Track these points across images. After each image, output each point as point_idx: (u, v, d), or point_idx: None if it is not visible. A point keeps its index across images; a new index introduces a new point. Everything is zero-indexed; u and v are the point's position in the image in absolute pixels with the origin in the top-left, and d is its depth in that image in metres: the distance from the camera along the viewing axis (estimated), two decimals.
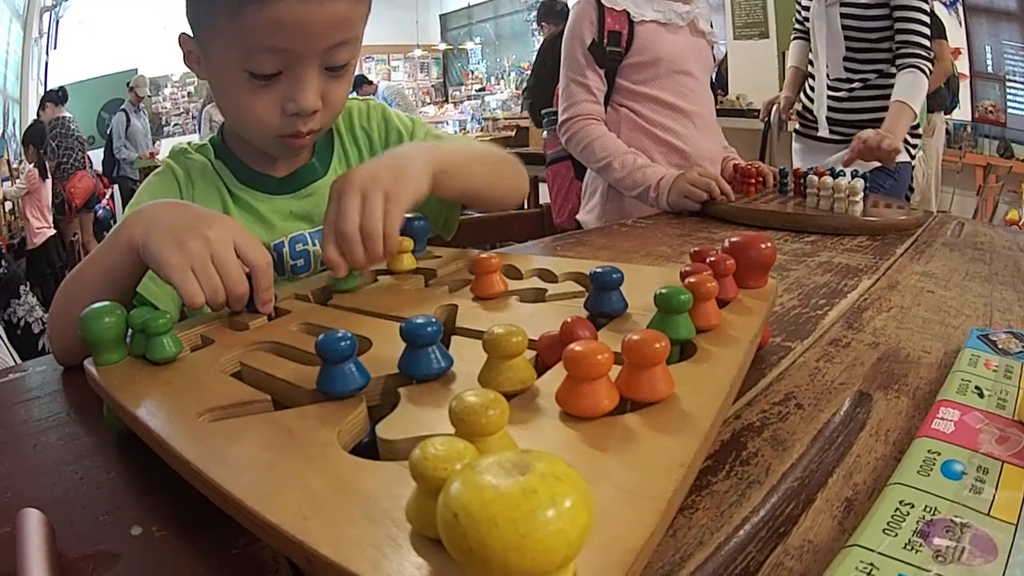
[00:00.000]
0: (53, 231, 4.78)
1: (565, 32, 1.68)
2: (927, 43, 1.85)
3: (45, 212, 4.88)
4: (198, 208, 0.68)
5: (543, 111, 2.30)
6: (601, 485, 0.31)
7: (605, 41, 1.59)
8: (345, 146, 0.97)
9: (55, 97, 5.74)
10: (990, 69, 4.79)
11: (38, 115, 5.65)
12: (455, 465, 0.27)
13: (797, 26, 2.31)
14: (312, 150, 0.94)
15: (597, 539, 0.26)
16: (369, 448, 0.38)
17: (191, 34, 0.79)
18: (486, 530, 0.22)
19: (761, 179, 1.56)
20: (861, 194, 1.29)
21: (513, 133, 5.06)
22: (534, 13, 8.94)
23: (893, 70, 1.98)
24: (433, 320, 0.44)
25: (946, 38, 3.52)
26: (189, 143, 0.93)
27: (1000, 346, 0.61)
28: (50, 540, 0.36)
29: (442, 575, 0.26)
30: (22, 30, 6.21)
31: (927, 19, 1.87)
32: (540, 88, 2.05)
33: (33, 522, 0.36)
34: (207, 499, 0.36)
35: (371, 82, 7.53)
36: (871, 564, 0.32)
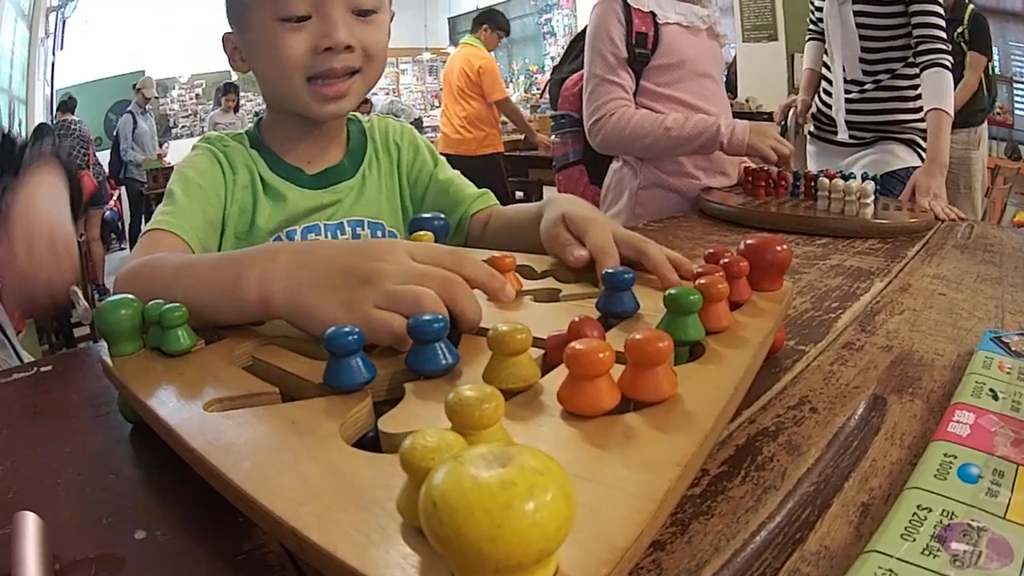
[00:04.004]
0: None
1: (589, 30, 1.66)
2: (944, 35, 1.83)
3: None
4: (334, 243, 0.67)
5: (552, 115, 2.29)
6: (594, 483, 0.31)
7: (632, 42, 1.59)
8: (378, 154, 1.00)
9: (63, 105, 5.78)
10: (998, 70, 4.77)
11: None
12: (443, 456, 0.27)
13: (811, 27, 2.29)
14: (344, 148, 0.97)
15: (584, 535, 0.27)
16: (374, 442, 0.39)
17: (231, 29, 0.88)
18: (462, 519, 0.22)
19: (772, 181, 1.54)
20: (872, 196, 1.28)
21: (522, 137, 5.05)
22: (545, 16, 8.94)
23: (906, 71, 1.97)
24: (440, 317, 0.44)
25: (982, 51, 3.46)
26: (225, 133, 0.95)
27: (1013, 348, 0.60)
28: (45, 544, 0.35)
29: (428, 565, 0.27)
30: (28, 30, 6.18)
31: (942, 11, 1.85)
32: (558, 86, 2.05)
33: (28, 525, 0.36)
34: (212, 503, 0.37)
35: (367, 100, 7.51)
36: (889, 570, 0.32)
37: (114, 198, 6.37)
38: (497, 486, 0.22)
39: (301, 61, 0.81)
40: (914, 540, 0.34)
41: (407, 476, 0.29)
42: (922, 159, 1.94)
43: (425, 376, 0.44)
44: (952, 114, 1.74)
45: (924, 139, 1.87)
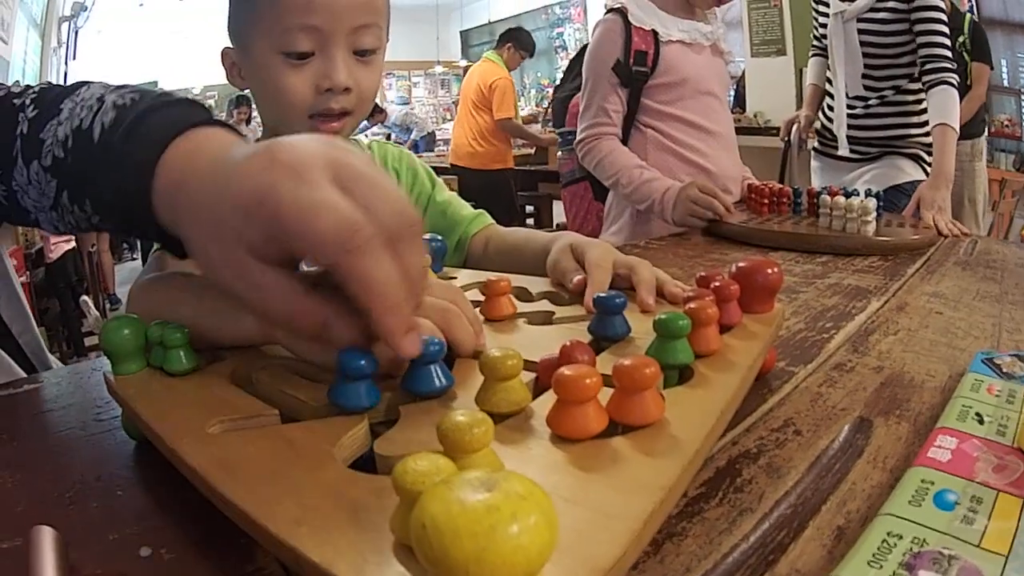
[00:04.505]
0: (72, 244, 4.78)
1: (589, 49, 1.69)
2: (950, 53, 1.84)
3: None
4: None
5: (559, 131, 2.31)
6: (579, 505, 0.32)
7: (631, 60, 1.60)
8: None
9: None
10: (1006, 83, 4.75)
11: None
12: (433, 480, 0.28)
13: (815, 43, 2.31)
14: None
15: (567, 557, 0.28)
16: (369, 461, 0.40)
17: (231, 44, 0.90)
18: (449, 541, 0.24)
19: (775, 198, 1.55)
20: (874, 214, 1.28)
21: (533, 151, 5.08)
22: (557, 30, 8.97)
23: (911, 86, 1.98)
24: (435, 340, 0.45)
25: (984, 61, 3.47)
26: None
27: (1005, 369, 0.60)
28: (63, 559, 0.36)
29: None
30: (40, 39, 6.18)
31: (947, 28, 1.86)
32: (561, 104, 2.08)
33: (47, 541, 0.36)
34: (215, 522, 0.37)
35: (382, 110, 7.54)
36: None
37: None
38: (483, 510, 0.24)
39: (304, 101, 0.83)
40: (881, 567, 0.34)
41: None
42: (927, 173, 1.95)
43: (420, 398, 0.45)
44: (958, 129, 1.75)
45: (929, 153, 1.88)
